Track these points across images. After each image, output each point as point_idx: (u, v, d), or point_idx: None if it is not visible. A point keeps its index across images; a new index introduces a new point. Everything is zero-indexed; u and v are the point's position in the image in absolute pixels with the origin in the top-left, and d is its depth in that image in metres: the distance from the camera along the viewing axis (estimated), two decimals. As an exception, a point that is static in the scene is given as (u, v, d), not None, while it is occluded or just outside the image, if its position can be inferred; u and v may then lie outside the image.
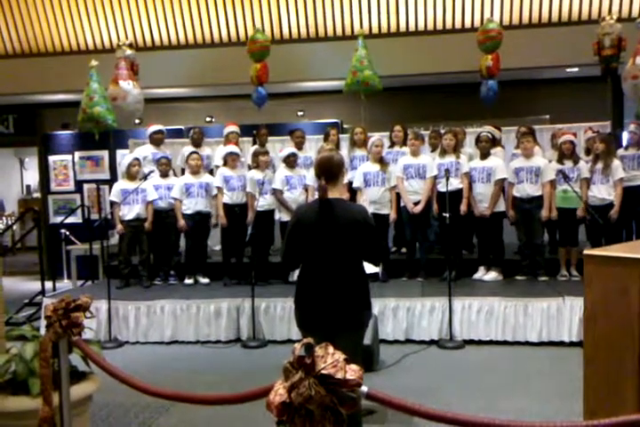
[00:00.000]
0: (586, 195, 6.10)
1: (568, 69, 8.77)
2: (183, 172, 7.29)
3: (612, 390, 2.77)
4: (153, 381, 2.35)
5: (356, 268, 3.10)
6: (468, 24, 8.53)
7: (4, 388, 3.05)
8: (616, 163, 6.15)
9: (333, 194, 3.09)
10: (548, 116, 9.36)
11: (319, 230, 3.05)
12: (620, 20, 7.15)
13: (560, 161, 6.28)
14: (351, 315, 3.04)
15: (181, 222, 6.64)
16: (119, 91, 7.28)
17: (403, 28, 8.68)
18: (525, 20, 8.48)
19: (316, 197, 3.17)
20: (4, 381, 3.08)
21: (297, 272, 3.27)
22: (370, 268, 3.25)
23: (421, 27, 8.66)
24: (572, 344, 5.24)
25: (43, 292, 7.23)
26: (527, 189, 6.20)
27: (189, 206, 6.65)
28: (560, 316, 5.36)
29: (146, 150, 7.33)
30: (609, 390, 2.78)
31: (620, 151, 6.65)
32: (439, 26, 8.63)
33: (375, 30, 8.67)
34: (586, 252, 2.95)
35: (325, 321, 3.02)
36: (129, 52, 7.63)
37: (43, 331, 3.29)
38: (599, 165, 6.13)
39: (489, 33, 7.14)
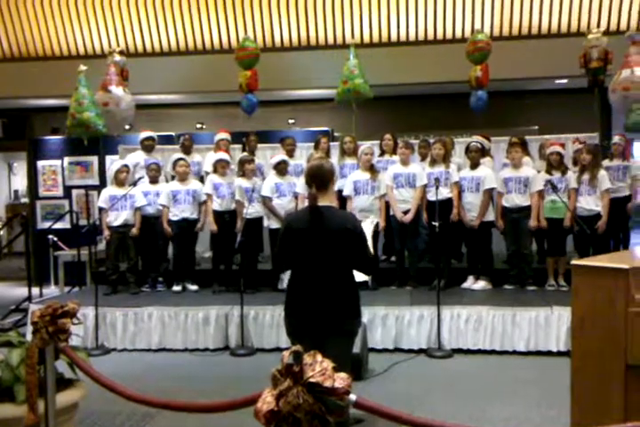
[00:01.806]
0: (573, 205, 6.15)
1: (557, 81, 8.87)
2: (174, 178, 7.28)
3: (599, 400, 2.78)
4: (140, 388, 2.34)
5: (346, 275, 3.11)
6: (458, 35, 8.61)
7: (-12, 395, 3.03)
8: (602, 173, 6.20)
9: (324, 202, 3.10)
10: (536, 127, 9.44)
11: (309, 238, 3.06)
12: (606, 33, 7.24)
13: (548, 171, 6.33)
14: (341, 323, 3.05)
15: (167, 229, 6.62)
16: (111, 96, 7.26)
17: (394, 38, 8.75)
18: (515, 31, 8.57)
19: (306, 204, 3.18)
20: (-11, 388, 3.06)
21: (286, 280, 3.27)
22: (359, 276, 3.25)
23: (412, 37, 8.73)
24: (559, 354, 5.26)
25: (29, 298, 7.17)
26: (515, 199, 6.24)
27: (176, 213, 6.63)
28: (548, 325, 5.38)
29: (137, 157, 7.32)
30: (596, 399, 2.80)
31: (605, 162, 6.72)
32: (430, 36, 8.71)
33: (366, 40, 8.73)
34: (573, 262, 2.98)
35: (315, 329, 3.02)
36: (118, 57, 7.62)
37: (29, 337, 3.27)
38: (586, 176, 6.19)
39: (477, 44, 7.21)
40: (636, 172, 6.98)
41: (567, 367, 2.91)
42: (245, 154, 7.13)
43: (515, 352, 5.41)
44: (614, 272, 2.75)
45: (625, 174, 6.83)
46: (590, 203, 6.16)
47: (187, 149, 7.43)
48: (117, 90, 7.34)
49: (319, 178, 3.12)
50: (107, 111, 7.27)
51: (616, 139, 7.00)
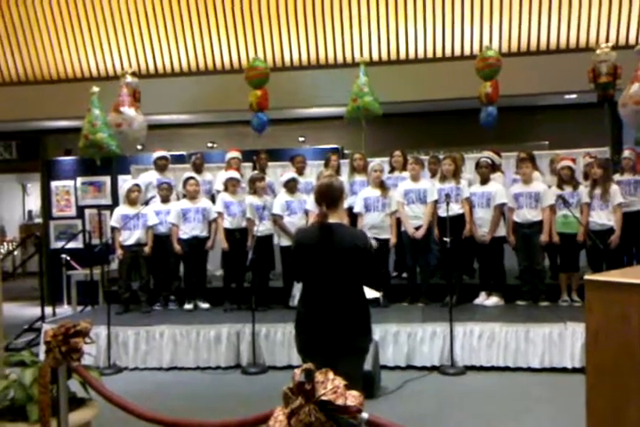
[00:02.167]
0: (586, 220, 6.12)
1: (566, 96, 8.88)
2: (185, 197, 7.33)
3: (615, 417, 2.74)
4: (152, 407, 2.34)
5: (356, 292, 3.11)
6: (467, 51, 8.66)
7: (2, 414, 3.04)
8: (614, 188, 6.18)
9: (334, 219, 3.13)
10: (547, 142, 9.43)
11: (319, 255, 3.07)
12: (615, 47, 7.26)
13: (560, 186, 6.31)
14: (352, 340, 3.04)
15: (177, 247, 6.64)
16: (124, 117, 7.36)
17: (403, 55, 8.82)
18: (524, 47, 8.62)
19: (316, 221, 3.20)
20: (3, 407, 3.06)
21: (297, 297, 3.28)
22: (370, 293, 3.25)
23: (421, 54, 8.80)
24: (574, 370, 5.19)
25: (42, 317, 7.20)
26: (527, 215, 6.22)
27: (186, 231, 6.66)
28: (562, 342, 5.32)
29: (150, 176, 7.39)
30: (612, 416, 2.76)
31: (616, 177, 6.69)
32: (439, 53, 8.78)
33: (375, 58, 8.81)
34: (586, 277, 2.95)
35: (326, 346, 3.01)
36: (130, 79, 7.73)
37: (42, 357, 3.28)
38: (598, 191, 6.16)
39: (488, 60, 7.25)
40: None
41: (582, 384, 2.87)
42: (256, 172, 7.18)
43: (529, 369, 5.35)
44: (628, 287, 2.72)
45: (636, 189, 6.78)
46: (603, 217, 6.12)
47: (198, 168, 7.49)
48: (130, 111, 7.43)
49: (329, 196, 3.14)
50: (119, 132, 7.36)
51: (626, 153, 6.98)
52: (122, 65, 9.06)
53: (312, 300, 3.11)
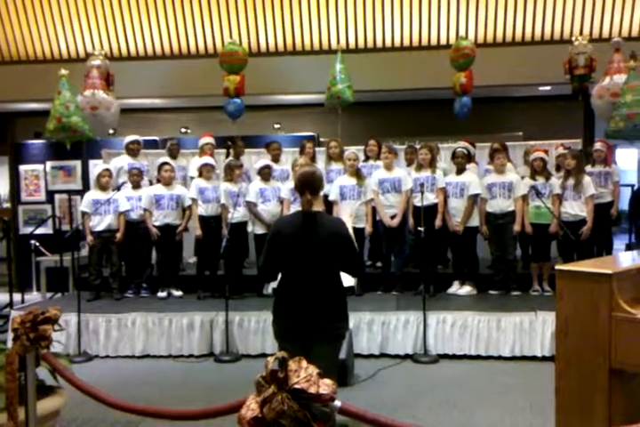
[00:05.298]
0: (558, 211, 6.19)
1: (540, 88, 8.95)
2: (159, 182, 7.22)
3: (584, 404, 2.79)
4: (123, 396, 2.31)
5: (334, 280, 3.16)
6: (443, 41, 8.66)
7: (-33, 403, 2.97)
8: (587, 179, 6.24)
9: (315, 207, 3.18)
10: (520, 133, 9.50)
11: (301, 243, 3.10)
12: (590, 40, 7.32)
13: (532, 177, 6.37)
14: (329, 326, 3.08)
15: (153, 230, 6.54)
16: (101, 101, 7.21)
17: (379, 43, 8.79)
18: (499, 38, 8.64)
19: (292, 210, 3.21)
20: (-32, 395, 3.00)
21: (271, 285, 3.29)
22: (346, 281, 3.28)
23: (397, 43, 8.78)
24: (544, 359, 5.27)
25: (11, 304, 7.08)
26: (500, 204, 6.26)
27: (158, 218, 6.57)
28: (532, 330, 5.40)
29: (122, 161, 7.26)
30: (580, 403, 2.80)
31: (587, 168, 6.77)
32: (415, 42, 8.76)
33: (352, 45, 8.76)
34: (557, 267, 3.00)
35: (304, 332, 3.05)
36: (100, 61, 7.55)
37: (10, 344, 3.22)
38: (570, 182, 6.23)
39: (462, 50, 7.26)
40: (617, 178, 7.03)
41: (552, 372, 2.92)
42: (231, 159, 7.10)
43: (500, 357, 5.42)
44: (598, 277, 2.76)
45: (607, 180, 6.88)
46: (575, 208, 6.19)
47: (173, 154, 7.38)
48: (104, 94, 7.29)
49: (312, 184, 3.17)
50: (94, 115, 7.21)
51: (597, 145, 7.07)
52: (93, 47, 8.85)
53: (291, 286, 3.14)
